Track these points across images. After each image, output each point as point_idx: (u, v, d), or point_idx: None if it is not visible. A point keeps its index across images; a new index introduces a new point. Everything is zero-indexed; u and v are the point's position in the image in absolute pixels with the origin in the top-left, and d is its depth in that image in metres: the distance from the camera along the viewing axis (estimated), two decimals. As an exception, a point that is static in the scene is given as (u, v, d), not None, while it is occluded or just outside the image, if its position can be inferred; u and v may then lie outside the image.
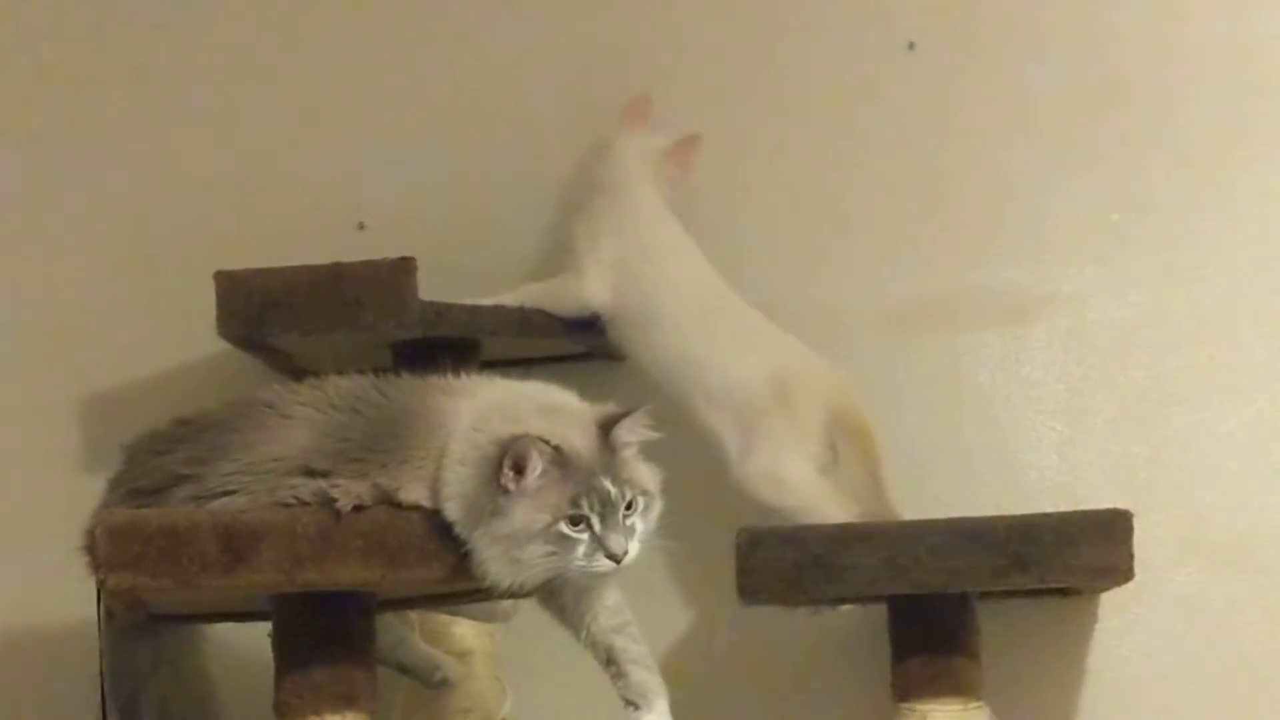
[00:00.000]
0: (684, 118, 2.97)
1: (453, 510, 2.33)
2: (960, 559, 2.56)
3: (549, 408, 2.38)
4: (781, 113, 3.00)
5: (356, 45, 3.09)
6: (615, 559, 2.30)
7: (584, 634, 2.41)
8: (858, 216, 2.98)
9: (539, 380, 2.49)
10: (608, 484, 2.31)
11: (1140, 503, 2.65)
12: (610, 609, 2.40)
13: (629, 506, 2.33)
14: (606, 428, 2.35)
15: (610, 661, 2.39)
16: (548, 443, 2.29)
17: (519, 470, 2.29)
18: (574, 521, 2.30)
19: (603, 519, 2.30)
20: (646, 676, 2.39)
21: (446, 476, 2.33)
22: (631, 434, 2.37)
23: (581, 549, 2.30)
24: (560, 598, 2.41)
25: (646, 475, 2.38)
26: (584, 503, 2.30)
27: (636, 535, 2.33)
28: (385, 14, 3.09)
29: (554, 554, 2.30)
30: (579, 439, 2.33)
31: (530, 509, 2.29)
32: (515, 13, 3.07)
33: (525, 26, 3.06)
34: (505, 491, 2.29)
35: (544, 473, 2.29)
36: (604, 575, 2.32)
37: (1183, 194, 2.93)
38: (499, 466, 2.29)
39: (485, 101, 3.04)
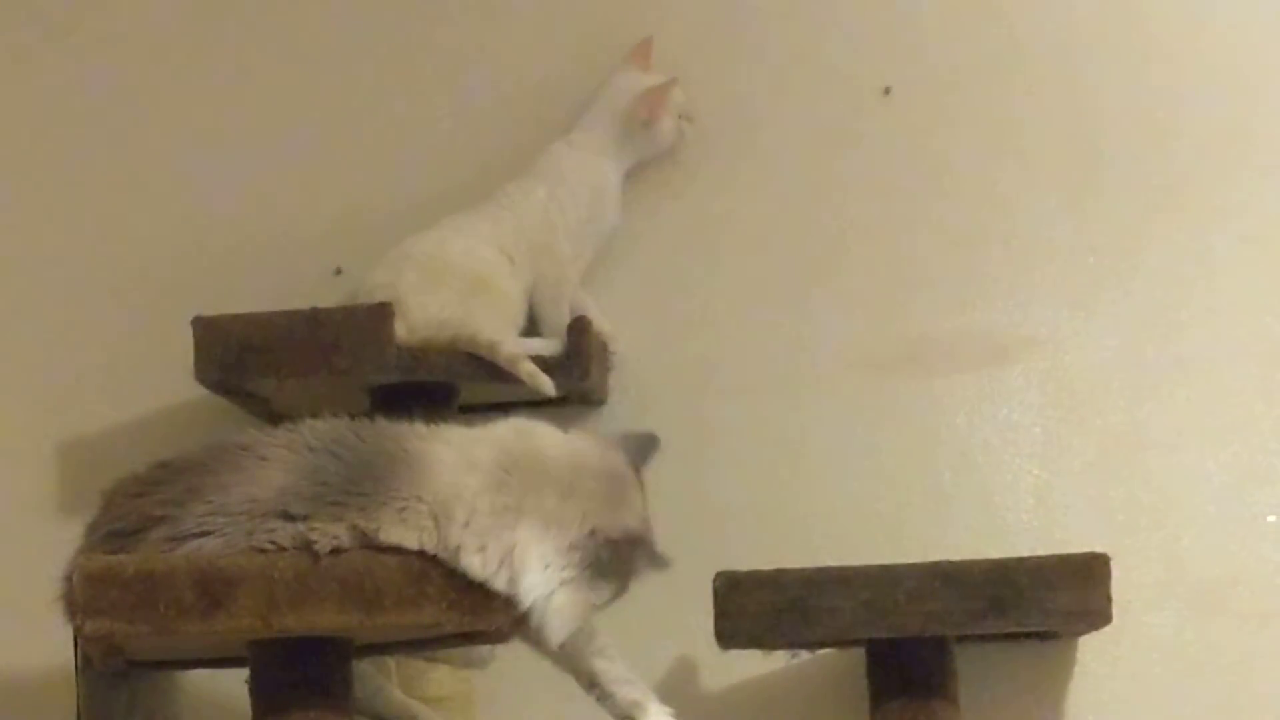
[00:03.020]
0: (661, 161, 2.99)
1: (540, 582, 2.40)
2: (938, 602, 2.56)
3: (603, 474, 2.46)
4: (757, 157, 3.01)
5: (334, 89, 3.10)
6: None
7: (566, 661, 2.44)
8: (834, 259, 2.99)
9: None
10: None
11: (1118, 546, 2.67)
12: (588, 633, 2.43)
13: None
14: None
15: (593, 684, 2.43)
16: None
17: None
18: None
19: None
20: (630, 689, 2.43)
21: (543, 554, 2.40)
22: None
23: None
24: None
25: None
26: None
27: None
28: (364, 57, 3.10)
29: None
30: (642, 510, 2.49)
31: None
32: (493, 61, 3.08)
33: (502, 76, 3.07)
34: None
35: None
36: None
37: (1160, 238, 2.94)
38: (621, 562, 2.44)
39: (460, 148, 3.05)
